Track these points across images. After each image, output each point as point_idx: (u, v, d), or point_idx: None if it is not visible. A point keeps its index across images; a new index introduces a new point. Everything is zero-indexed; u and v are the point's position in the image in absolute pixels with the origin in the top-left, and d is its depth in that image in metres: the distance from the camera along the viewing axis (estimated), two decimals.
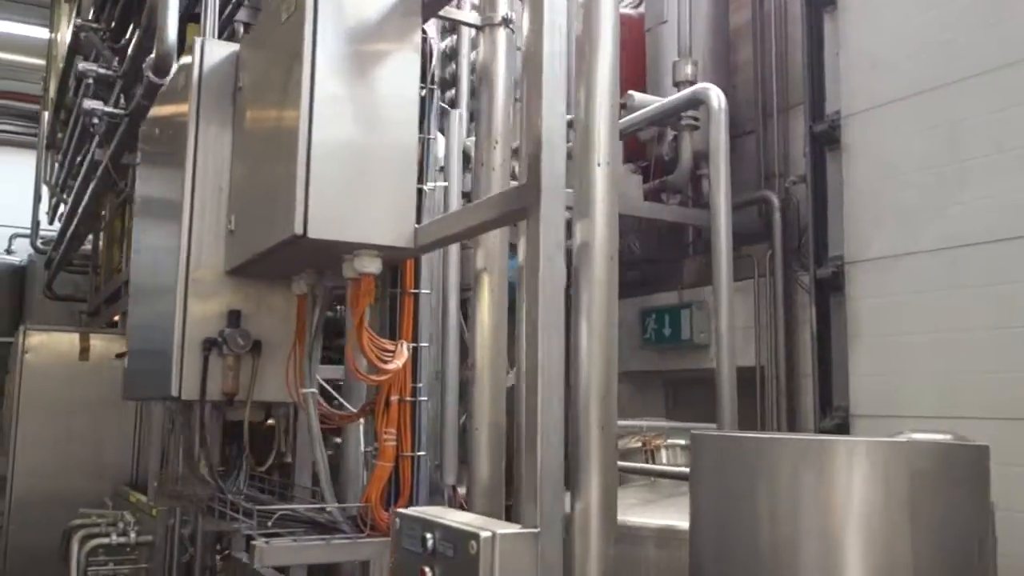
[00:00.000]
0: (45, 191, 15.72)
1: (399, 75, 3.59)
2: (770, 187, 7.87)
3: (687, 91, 5.98)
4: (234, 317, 4.08)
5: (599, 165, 3.11)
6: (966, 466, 3.33)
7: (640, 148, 8.30)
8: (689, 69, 7.46)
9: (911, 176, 6.75)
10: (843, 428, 7.04)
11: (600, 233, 3.09)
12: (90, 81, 9.24)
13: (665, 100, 6.77)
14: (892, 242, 6.85)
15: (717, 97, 5.33)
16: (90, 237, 13.61)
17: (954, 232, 6.40)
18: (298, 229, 3.30)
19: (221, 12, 5.53)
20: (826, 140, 7.44)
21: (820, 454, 3.16)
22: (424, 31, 4.15)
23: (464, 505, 4.18)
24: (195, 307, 4.05)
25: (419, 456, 4.20)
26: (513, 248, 3.85)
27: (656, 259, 9.16)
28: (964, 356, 6.26)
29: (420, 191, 4.30)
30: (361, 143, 3.45)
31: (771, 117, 8.13)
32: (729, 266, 5.16)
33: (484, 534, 2.57)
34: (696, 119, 7.45)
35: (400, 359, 3.59)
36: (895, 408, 6.77)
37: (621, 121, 7.79)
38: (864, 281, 7.08)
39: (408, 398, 3.95)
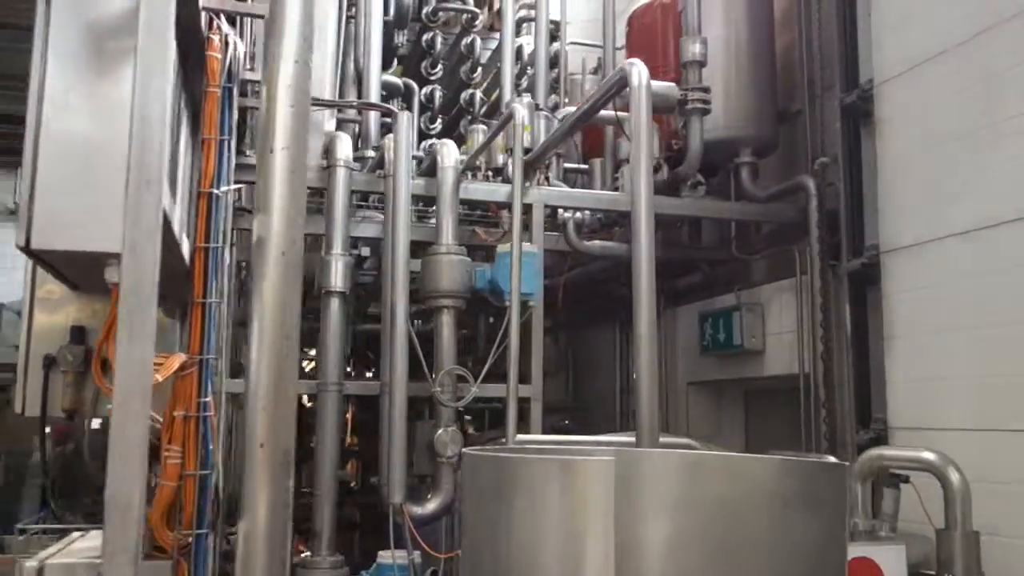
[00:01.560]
0: None
1: (148, 74, 3.42)
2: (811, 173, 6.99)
3: (614, 72, 5.40)
4: (77, 333, 4.07)
5: (271, 151, 2.79)
6: (750, 485, 2.70)
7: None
8: (697, 48, 6.79)
9: (945, 147, 5.77)
10: (880, 442, 6.09)
11: (277, 227, 2.76)
12: None
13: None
14: (925, 225, 5.88)
15: (639, 74, 4.75)
16: None
17: (989, 209, 5.38)
18: (20, 240, 3.18)
19: None
20: (859, 113, 6.53)
21: (562, 472, 2.69)
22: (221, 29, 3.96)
23: None
24: (40, 322, 4.07)
25: (205, 474, 3.97)
26: None
27: (718, 260, 8.42)
28: (1004, 355, 5.23)
29: (211, 195, 4.10)
30: (98, 144, 3.28)
31: (817, 98, 7.27)
32: (650, 273, 4.56)
33: (30, 564, 2.34)
34: (706, 102, 6.77)
35: (164, 372, 3.40)
36: (934, 419, 5.77)
37: (561, 112, 7.27)
38: (899, 273, 6.12)
39: (194, 414, 3.75)
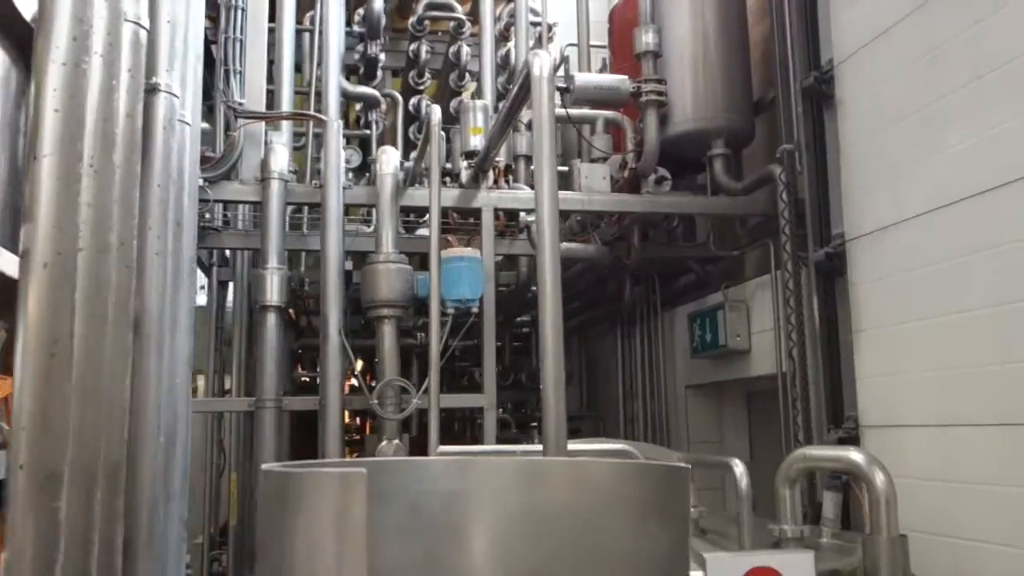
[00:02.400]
0: None
1: None
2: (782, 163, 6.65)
3: (523, 65, 5.20)
4: None
5: (36, 158, 2.70)
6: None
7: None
8: (650, 38, 6.55)
9: (898, 126, 5.40)
10: (851, 442, 5.72)
11: (42, 237, 2.67)
12: None
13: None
14: (885, 209, 5.51)
15: (540, 65, 4.55)
16: None
17: (940, 189, 5.01)
18: None
19: None
20: (820, 95, 6.19)
21: (309, 486, 2.52)
22: None
23: None
24: None
25: None
26: None
27: (707, 258, 8.09)
28: (959, 347, 4.84)
29: None
30: None
31: (789, 84, 6.92)
32: (555, 274, 4.33)
33: None
34: (661, 93, 6.51)
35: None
36: (898, 416, 5.39)
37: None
38: (863, 262, 5.75)
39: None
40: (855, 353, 5.77)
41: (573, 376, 11.45)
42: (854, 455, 4.13)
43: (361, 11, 8.80)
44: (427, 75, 9.97)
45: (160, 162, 4.27)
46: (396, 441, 5.76)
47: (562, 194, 7.04)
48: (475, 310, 5.88)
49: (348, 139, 8.41)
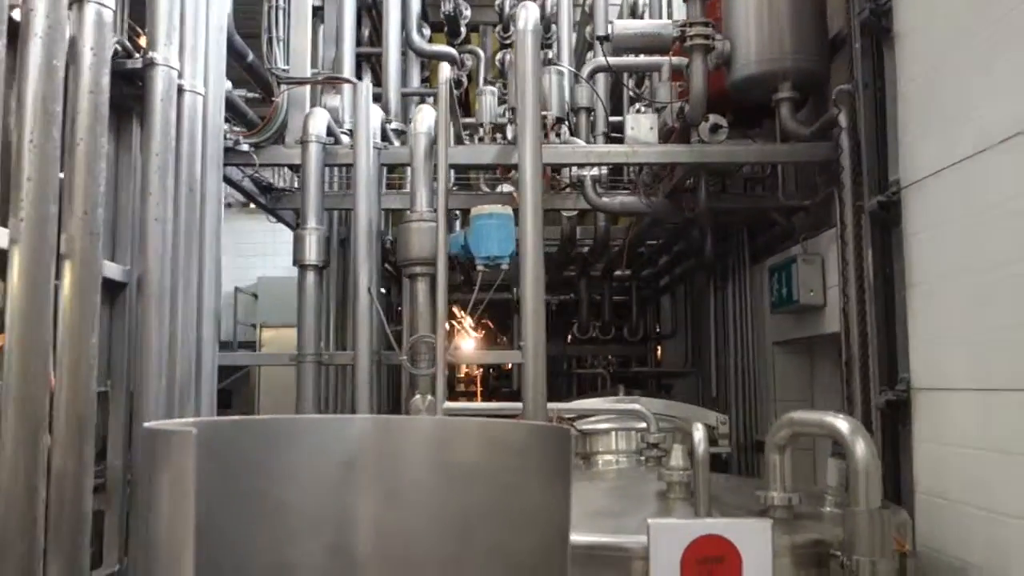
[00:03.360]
0: None
1: None
2: None
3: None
4: None
5: None
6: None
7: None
8: None
9: (949, 57, 4.88)
10: (902, 406, 5.31)
11: None
12: None
13: None
14: (935, 153, 5.01)
15: (525, 17, 4.43)
16: None
17: (988, 127, 4.50)
18: None
19: None
20: (878, 29, 5.65)
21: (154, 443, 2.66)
22: None
23: None
24: None
25: None
26: None
27: (787, 208, 7.67)
28: (1000, 305, 4.37)
29: None
30: None
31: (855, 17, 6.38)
32: (536, 230, 4.28)
33: None
34: (707, 37, 6.17)
35: None
36: (942, 379, 4.94)
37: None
38: (916, 210, 5.28)
39: None
40: (908, 310, 5.33)
41: (677, 330, 11.20)
42: (838, 422, 3.87)
43: None
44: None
45: (160, 132, 4.51)
46: (429, 397, 5.87)
47: (604, 147, 6.89)
48: (505, 267, 5.86)
49: (423, 97, 8.51)
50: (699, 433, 3.82)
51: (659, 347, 11.73)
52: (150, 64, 4.48)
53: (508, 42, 9.88)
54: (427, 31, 9.16)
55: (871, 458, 3.70)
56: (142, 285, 4.43)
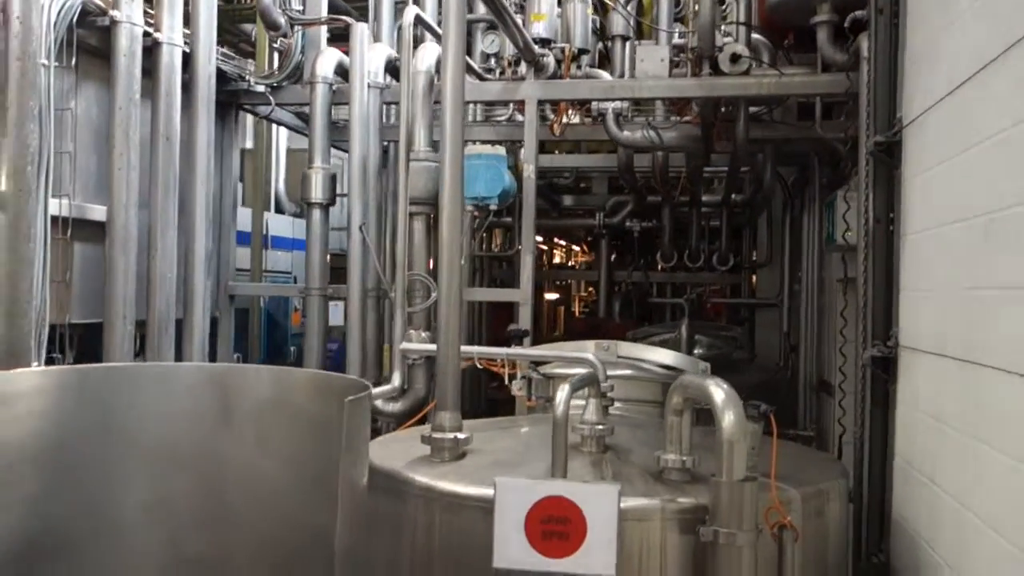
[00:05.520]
0: None
1: None
2: None
3: None
4: None
5: None
6: None
7: None
8: None
9: None
10: (886, 363, 4.94)
11: None
12: None
13: None
14: (930, 87, 4.49)
15: None
16: None
17: (976, 52, 3.98)
18: None
19: None
20: None
21: None
22: None
23: None
24: None
25: None
26: None
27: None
28: (965, 260, 3.94)
29: None
30: None
31: None
32: (456, 171, 4.26)
33: None
34: None
35: None
36: (918, 339, 4.53)
37: None
38: (912, 150, 4.77)
39: None
40: (901, 262, 4.91)
41: (773, 258, 10.70)
42: (715, 391, 3.70)
43: None
44: None
45: (123, 87, 4.83)
46: (423, 332, 6.06)
47: (608, 81, 6.60)
48: (494, 207, 5.87)
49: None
50: (562, 393, 3.79)
51: (754, 276, 11.28)
52: (113, 23, 4.78)
53: None
54: None
55: (738, 429, 3.55)
56: (108, 231, 4.84)
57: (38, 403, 3.21)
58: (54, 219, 4.55)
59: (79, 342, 5.28)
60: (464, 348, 5.31)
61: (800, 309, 8.67)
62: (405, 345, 5.24)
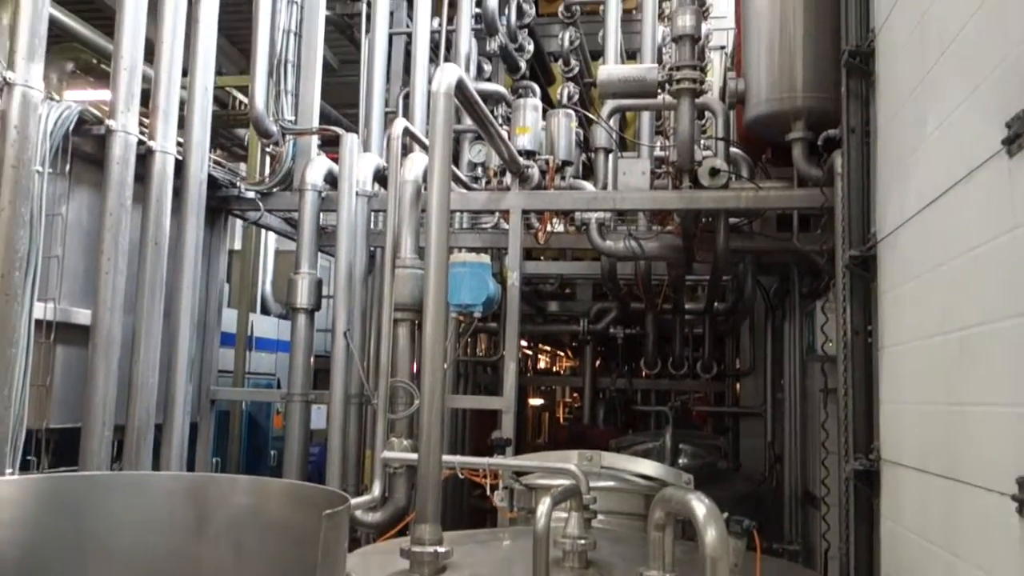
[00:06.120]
0: None
1: None
2: None
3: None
4: None
5: None
6: None
7: None
8: (688, 20, 6.02)
9: (905, 105, 4.52)
10: (868, 477, 4.93)
11: None
12: None
13: None
14: (898, 204, 4.64)
15: (439, 79, 4.49)
16: None
17: (928, 182, 4.14)
18: None
19: None
20: (861, 72, 5.28)
21: None
22: None
23: None
24: None
25: None
26: None
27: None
28: (933, 375, 4.00)
29: None
30: None
31: None
32: (440, 278, 4.35)
33: None
34: (695, 80, 5.97)
35: None
36: (899, 452, 4.54)
37: None
38: (884, 266, 4.89)
39: None
40: (880, 374, 4.96)
41: (756, 367, 10.76)
42: (697, 506, 3.68)
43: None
44: (574, 61, 9.88)
45: (114, 194, 4.92)
46: (405, 440, 6.01)
47: (590, 193, 6.77)
48: (478, 315, 5.92)
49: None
50: (543, 507, 3.76)
51: (738, 384, 11.32)
52: (108, 132, 4.91)
53: (569, 75, 9.89)
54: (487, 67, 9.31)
55: (720, 546, 3.51)
56: (92, 335, 4.84)
57: (9, 512, 3.16)
58: (38, 323, 4.57)
59: (56, 446, 5.21)
60: (446, 458, 5.29)
61: (784, 418, 8.68)
62: (386, 454, 5.20)
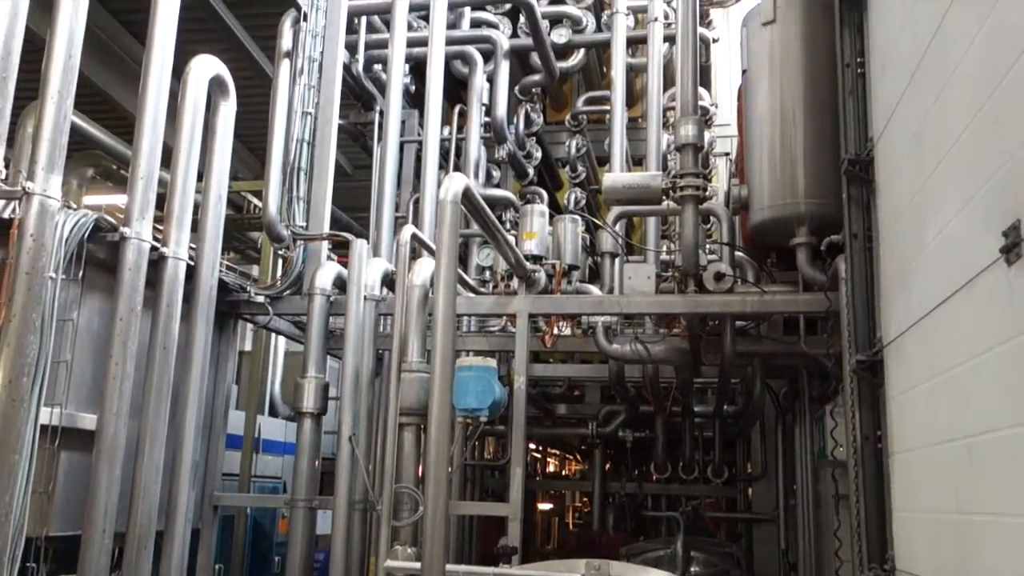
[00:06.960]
0: None
1: None
2: None
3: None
4: None
5: None
6: None
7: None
8: (691, 130, 6.16)
9: (904, 214, 4.58)
10: None
11: None
12: None
13: None
14: (902, 311, 4.65)
15: (447, 188, 4.61)
16: None
17: (928, 288, 4.16)
18: None
19: None
20: (859, 180, 5.38)
21: None
22: None
23: None
24: None
25: None
26: None
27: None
28: (942, 486, 3.93)
29: None
30: None
31: None
32: (444, 386, 4.35)
33: None
34: (699, 188, 6.08)
35: None
36: (914, 562, 4.42)
37: None
38: (891, 371, 4.88)
39: None
40: (892, 481, 4.88)
41: (769, 471, 10.58)
42: None
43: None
44: (581, 167, 10.09)
45: (125, 299, 4.99)
46: (409, 548, 5.90)
47: (596, 297, 6.82)
48: (484, 419, 5.89)
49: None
50: None
51: (750, 488, 11.11)
52: (123, 238, 5.01)
53: (576, 180, 10.10)
54: (496, 173, 9.52)
55: None
56: (96, 441, 4.84)
57: None
58: (43, 427, 4.57)
59: (55, 553, 5.13)
60: (449, 567, 5.19)
61: (797, 525, 8.49)
62: (389, 563, 5.10)
